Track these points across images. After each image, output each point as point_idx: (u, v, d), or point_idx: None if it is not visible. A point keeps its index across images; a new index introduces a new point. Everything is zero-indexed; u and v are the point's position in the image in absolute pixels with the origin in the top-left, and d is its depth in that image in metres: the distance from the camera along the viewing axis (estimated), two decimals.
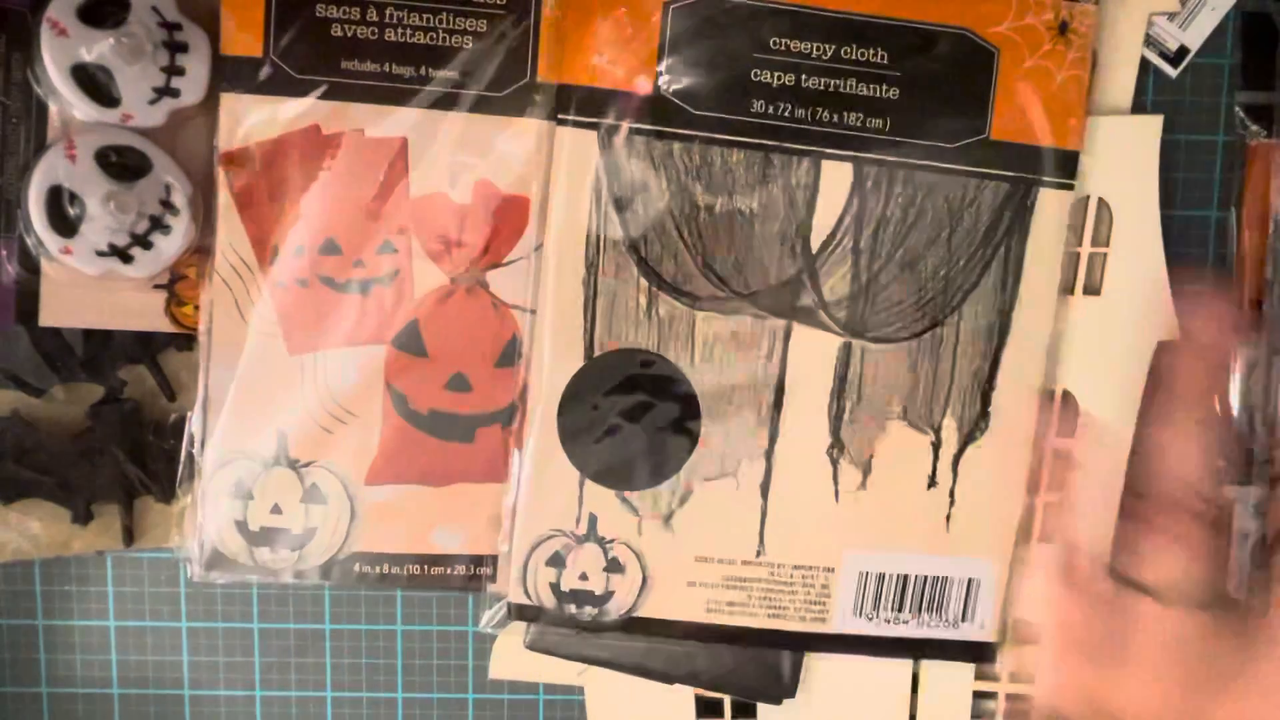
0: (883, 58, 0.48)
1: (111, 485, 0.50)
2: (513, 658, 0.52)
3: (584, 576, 0.50)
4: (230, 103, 0.47)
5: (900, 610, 0.51)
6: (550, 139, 0.48)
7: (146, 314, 0.48)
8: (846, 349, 0.50)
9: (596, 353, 0.49)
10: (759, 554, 0.50)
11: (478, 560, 0.51)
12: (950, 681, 0.53)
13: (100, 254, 0.46)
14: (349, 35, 0.47)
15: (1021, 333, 0.50)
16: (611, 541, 0.50)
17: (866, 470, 0.50)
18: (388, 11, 0.47)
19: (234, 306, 0.48)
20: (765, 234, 0.49)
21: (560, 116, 0.48)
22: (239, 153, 0.47)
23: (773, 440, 0.50)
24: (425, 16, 0.47)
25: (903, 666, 0.53)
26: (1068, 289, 0.51)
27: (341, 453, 0.49)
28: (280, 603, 0.53)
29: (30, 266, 0.47)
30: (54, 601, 0.53)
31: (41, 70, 0.45)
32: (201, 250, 0.48)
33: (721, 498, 0.50)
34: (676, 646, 0.51)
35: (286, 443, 0.49)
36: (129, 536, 0.50)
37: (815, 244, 0.49)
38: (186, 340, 0.49)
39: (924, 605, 0.51)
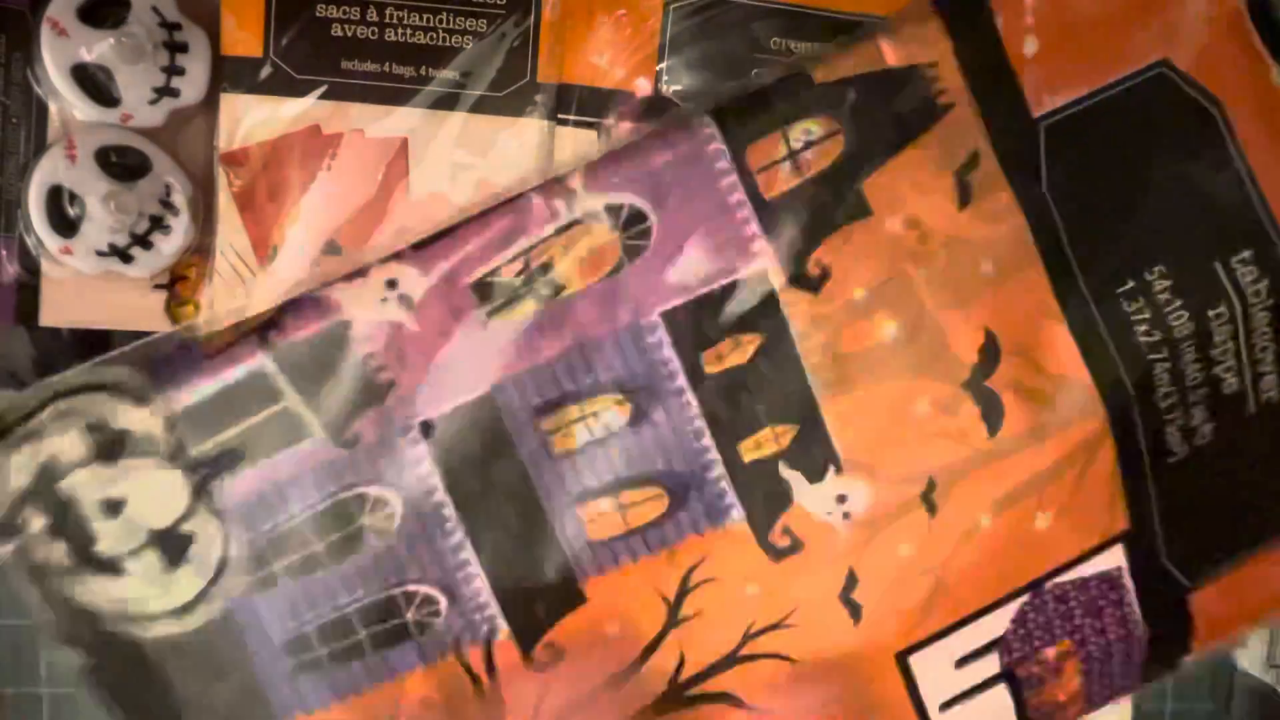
0: None
1: None
2: None
3: None
4: (230, 103, 0.47)
5: None
6: (550, 139, 0.48)
7: (146, 314, 0.48)
8: None
9: None
10: None
11: None
12: None
13: (100, 254, 0.46)
14: (349, 35, 0.47)
15: None
16: None
17: None
18: (388, 11, 0.47)
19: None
20: None
21: (560, 116, 0.48)
22: (239, 153, 0.47)
23: None
24: (425, 16, 0.47)
25: None
26: None
27: None
28: None
29: (30, 266, 0.47)
30: None
31: (41, 70, 0.45)
32: (201, 250, 0.48)
33: None
34: None
35: None
36: None
37: None
38: None
39: None
